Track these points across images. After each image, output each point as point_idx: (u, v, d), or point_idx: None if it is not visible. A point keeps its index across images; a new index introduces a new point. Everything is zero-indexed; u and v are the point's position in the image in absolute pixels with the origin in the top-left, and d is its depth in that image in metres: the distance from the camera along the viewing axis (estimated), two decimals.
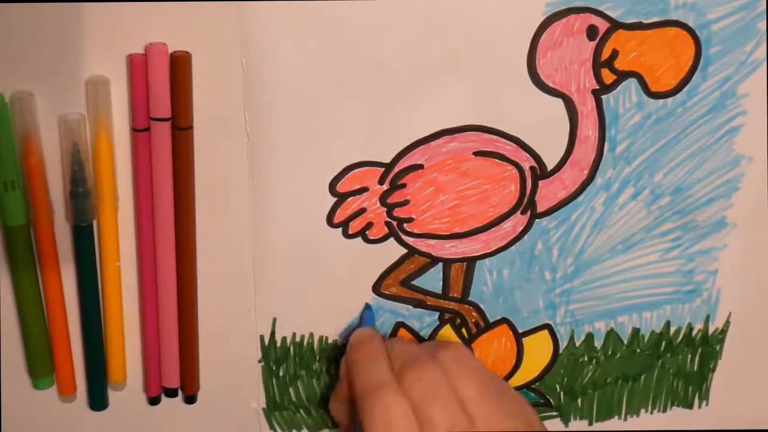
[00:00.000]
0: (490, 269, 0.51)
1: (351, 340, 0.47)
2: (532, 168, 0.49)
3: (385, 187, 0.48)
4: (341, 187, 0.47)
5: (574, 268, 0.52)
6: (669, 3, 0.46)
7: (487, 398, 0.43)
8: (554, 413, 0.56)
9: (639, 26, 0.46)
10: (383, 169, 0.47)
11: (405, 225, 0.49)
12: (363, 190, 0.48)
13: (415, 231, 0.49)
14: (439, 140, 0.47)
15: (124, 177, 0.45)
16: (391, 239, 0.49)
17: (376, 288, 0.50)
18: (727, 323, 0.55)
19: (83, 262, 0.45)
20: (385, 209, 0.48)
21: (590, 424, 0.57)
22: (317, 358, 0.51)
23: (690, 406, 0.58)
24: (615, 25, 0.46)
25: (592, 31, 0.46)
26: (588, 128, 0.48)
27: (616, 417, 0.57)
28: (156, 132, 0.43)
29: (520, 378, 0.54)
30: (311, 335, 0.51)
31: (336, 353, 0.51)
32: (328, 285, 0.49)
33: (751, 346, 0.57)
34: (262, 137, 0.45)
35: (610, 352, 0.55)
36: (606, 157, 0.49)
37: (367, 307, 0.50)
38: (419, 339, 0.52)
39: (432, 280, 0.51)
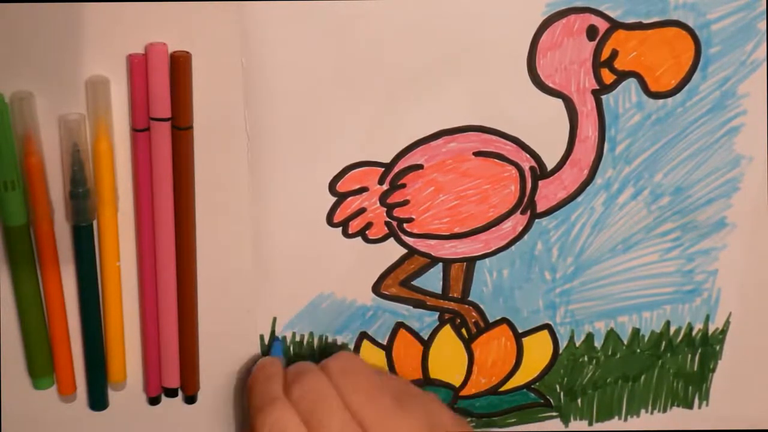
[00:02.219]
0: (490, 269, 0.51)
1: (253, 369, 0.48)
2: (532, 168, 0.49)
3: (385, 187, 0.48)
4: (341, 187, 0.47)
5: (574, 268, 0.52)
6: (669, 3, 0.46)
7: (376, 400, 0.43)
8: (554, 413, 0.56)
9: (639, 26, 0.46)
10: (383, 169, 0.47)
11: (405, 225, 0.49)
12: (363, 190, 0.48)
13: (415, 231, 0.49)
14: (439, 140, 0.47)
15: (124, 177, 0.45)
16: (391, 239, 0.49)
17: (376, 288, 0.50)
18: (727, 323, 0.55)
19: (83, 262, 0.45)
20: (385, 209, 0.48)
21: (590, 424, 0.57)
22: (317, 358, 0.51)
23: (690, 406, 0.58)
24: (615, 25, 0.46)
25: (592, 31, 0.46)
26: (588, 128, 0.48)
27: (616, 417, 0.57)
28: (156, 132, 0.43)
29: (520, 378, 0.54)
30: (311, 335, 0.51)
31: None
32: (328, 285, 0.49)
33: (751, 346, 0.57)
34: (262, 137, 0.45)
35: (610, 352, 0.55)
36: (606, 157, 0.49)
37: (276, 339, 0.50)
38: (419, 339, 0.52)
39: (432, 280, 0.51)
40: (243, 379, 0.51)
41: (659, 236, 0.52)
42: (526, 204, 0.49)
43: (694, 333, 0.55)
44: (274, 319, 0.50)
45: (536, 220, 0.50)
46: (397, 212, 0.49)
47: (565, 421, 0.57)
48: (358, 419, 0.42)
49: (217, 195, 0.46)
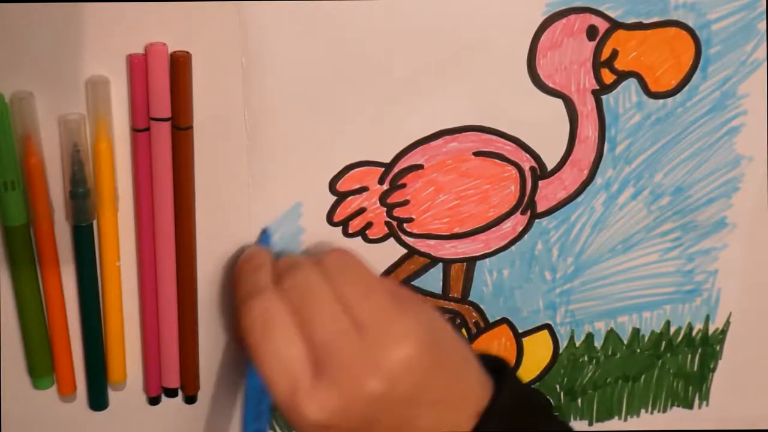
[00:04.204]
0: (490, 269, 0.51)
1: (239, 258, 0.46)
2: (532, 168, 0.49)
3: (385, 187, 0.48)
4: (341, 186, 0.47)
5: (574, 268, 0.52)
6: (669, 3, 0.46)
7: (372, 297, 0.41)
8: (554, 413, 0.56)
9: (639, 26, 0.46)
10: (383, 169, 0.47)
11: (405, 225, 0.49)
12: (363, 189, 0.48)
13: (415, 231, 0.49)
14: (439, 140, 0.47)
15: (124, 177, 0.45)
16: (391, 239, 0.49)
17: None
18: (727, 323, 0.55)
19: (83, 262, 0.45)
20: (385, 209, 0.48)
21: (590, 424, 0.57)
22: None
23: (690, 406, 0.58)
24: (615, 25, 0.46)
25: (592, 31, 0.46)
26: (588, 128, 0.48)
27: (616, 417, 0.57)
28: (156, 132, 0.43)
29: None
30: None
31: None
32: None
33: (751, 346, 0.57)
34: (262, 137, 0.45)
35: (610, 352, 0.55)
36: (606, 157, 0.49)
37: (264, 231, 0.48)
38: None
39: (432, 280, 0.51)
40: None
41: (659, 236, 0.52)
42: (526, 204, 0.49)
43: (694, 333, 0.55)
44: None
45: (536, 220, 0.50)
46: (397, 212, 0.49)
47: (565, 421, 0.57)
48: (353, 315, 0.40)
49: (217, 195, 0.46)
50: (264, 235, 0.48)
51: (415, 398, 0.40)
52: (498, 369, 0.43)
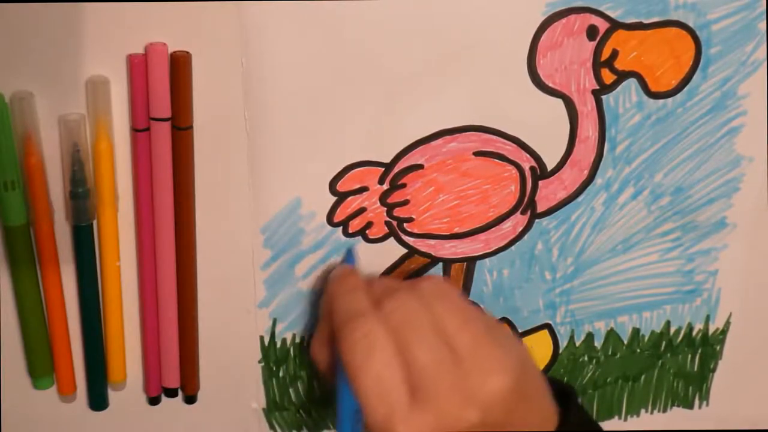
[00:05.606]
0: (490, 269, 0.51)
1: (331, 275, 0.47)
2: (532, 168, 0.49)
3: (385, 186, 0.48)
4: (341, 187, 0.47)
5: (574, 268, 0.52)
6: (669, 3, 0.46)
7: (471, 326, 0.42)
8: None
9: (639, 26, 0.46)
10: (383, 168, 0.47)
11: (405, 225, 0.49)
12: (363, 189, 0.48)
13: (415, 231, 0.49)
14: (439, 140, 0.47)
15: (124, 177, 0.45)
16: (391, 239, 0.49)
17: None
18: (727, 323, 0.55)
19: (83, 262, 0.45)
20: (385, 209, 0.48)
21: None
22: None
23: (690, 406, 0.58)
24: (615, 25, 0.46)
25: (592, 31, 0.46)
26: (588, 128, 0.48)
27: (616, 417, 0.57)
28: (156, 132, 0.43)
29: None
30: (311, 336, 0.50)
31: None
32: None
33: (751, 346, 0.57)
34: (262, 137, 0.45)
35: (610, 352, 0.55)
36: (606, 157, 0.49)
37: (349, 250, 0.49)
38: None
39: None
40: (243, 380, 0.51)
41: (659, 236, 0.52)
42: (526, 204, 0.49)
43: (694, 333, 0.55)
44: (275, 320, 0.50)
45: (536, 220, 0.50)
46: (398, 212, 0.49)
47: None
48: (451, 344, 0.41)
49: (217, 195, 0.46)
50: (349, 255, 0.48)
51: (503, 425, 0.41)
52: (565, 394, 0.45)
